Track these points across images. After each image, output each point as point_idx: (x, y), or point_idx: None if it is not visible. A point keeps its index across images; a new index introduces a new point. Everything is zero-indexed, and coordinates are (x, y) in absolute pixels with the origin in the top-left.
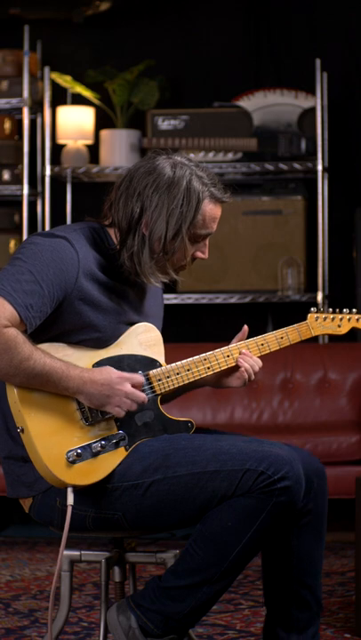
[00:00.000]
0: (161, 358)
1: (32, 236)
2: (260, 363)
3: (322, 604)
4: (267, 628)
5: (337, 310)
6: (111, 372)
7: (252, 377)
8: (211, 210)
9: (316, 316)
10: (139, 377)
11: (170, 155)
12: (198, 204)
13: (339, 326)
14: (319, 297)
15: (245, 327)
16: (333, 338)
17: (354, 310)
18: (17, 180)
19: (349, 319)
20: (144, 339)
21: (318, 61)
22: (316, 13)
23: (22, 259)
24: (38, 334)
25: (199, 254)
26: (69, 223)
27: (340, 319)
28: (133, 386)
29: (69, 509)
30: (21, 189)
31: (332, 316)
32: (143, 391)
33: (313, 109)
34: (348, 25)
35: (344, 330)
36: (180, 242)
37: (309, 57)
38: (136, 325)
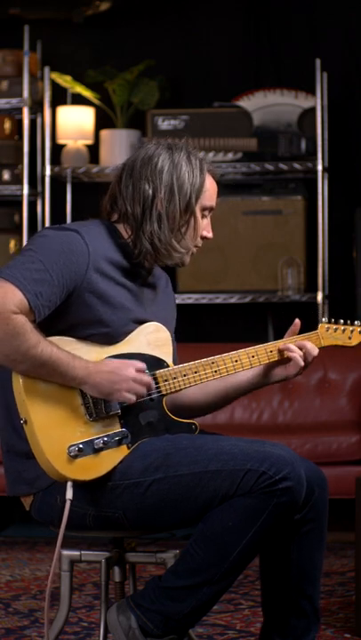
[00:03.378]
0: (169, 359)
1: (44, 229)
2: (309, 351)
3: (319, 613)
4: (263, 634)
5: (348, 322)
6: (114, 362)
7: (307, 360)
8: (211, 183)
9: (327, 326)
10: (140, 363)
11: (160, 141)
12: (202, 175)
13: (349, 338)
14: (319, 297)
15: (297, 321)
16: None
17: None
18: (17, 180)
19: None
20: (153, 338)
21: (318, 61)
22: (316, 13)
23: (33, 249)
24: (47, 327)
25: (205, 233)
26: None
27: (351, 331)
28: (136, 370)
29: (68, 503)
30: (21, 189)
31: (342, 328)
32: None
33: (313, 109)
34: (348, 25)
35: (355, 341)
36: (191, 214)
37: (309, 57)
38: (146, 324)
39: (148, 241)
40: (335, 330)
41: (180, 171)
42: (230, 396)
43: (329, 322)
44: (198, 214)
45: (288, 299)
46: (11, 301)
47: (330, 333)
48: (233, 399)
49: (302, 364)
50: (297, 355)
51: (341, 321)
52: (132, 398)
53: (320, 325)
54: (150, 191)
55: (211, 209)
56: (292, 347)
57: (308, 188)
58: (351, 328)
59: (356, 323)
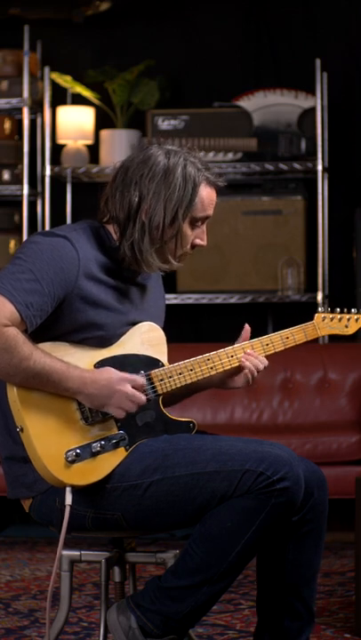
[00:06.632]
0: (164, 358)
1: (33, 235)
2: (265, 362)
3: (314, 615)
4: (257, 635)
5: (345, 310)
6: (112, 373)
7: (255, 375)
8: (208, 193)
9: (323, 316)
10: (140, 378)
11: (161, 144)
12: (195, 187)
13: (346, 327)
14: (319, 297)
15: (247, 326)
16: (333, 337)
17: None
18: (17, 180)
19: (357, 319)
20: (147, 338)
21: (318, 61)
22: (316, 13)
23: (22, 258)
24: (40, 333)
25: (198, 241)
26: (69, 223)
27: (348, 319)
28: (134, 387)
29: (67, 509)
30: (21, 189)
31: (339, 317)
32: (145, 391)
33: (313, 109)
34: (348, 25)
35: (351, 330)
36: (178, 227)
37: (309, 57)
38: (139, 325)
39: (129, 248)
40: (331, 319)
41: (171, 182)
42: (189, 394)
43: (325, 311)
44: (186, 227)
45: (288, 299)
46: (1, 314)
47: (326, 323)
48: (189, 396)
49: (250, 377)
50: (247, 369)
51: (338, 309)
52: (122, 414)
53: (316, 315)
54: (137, 199)
55: (205, 218)
56: (245, 361)
57: (308, 188)
58: (348, 316)
59: (352, 311)
